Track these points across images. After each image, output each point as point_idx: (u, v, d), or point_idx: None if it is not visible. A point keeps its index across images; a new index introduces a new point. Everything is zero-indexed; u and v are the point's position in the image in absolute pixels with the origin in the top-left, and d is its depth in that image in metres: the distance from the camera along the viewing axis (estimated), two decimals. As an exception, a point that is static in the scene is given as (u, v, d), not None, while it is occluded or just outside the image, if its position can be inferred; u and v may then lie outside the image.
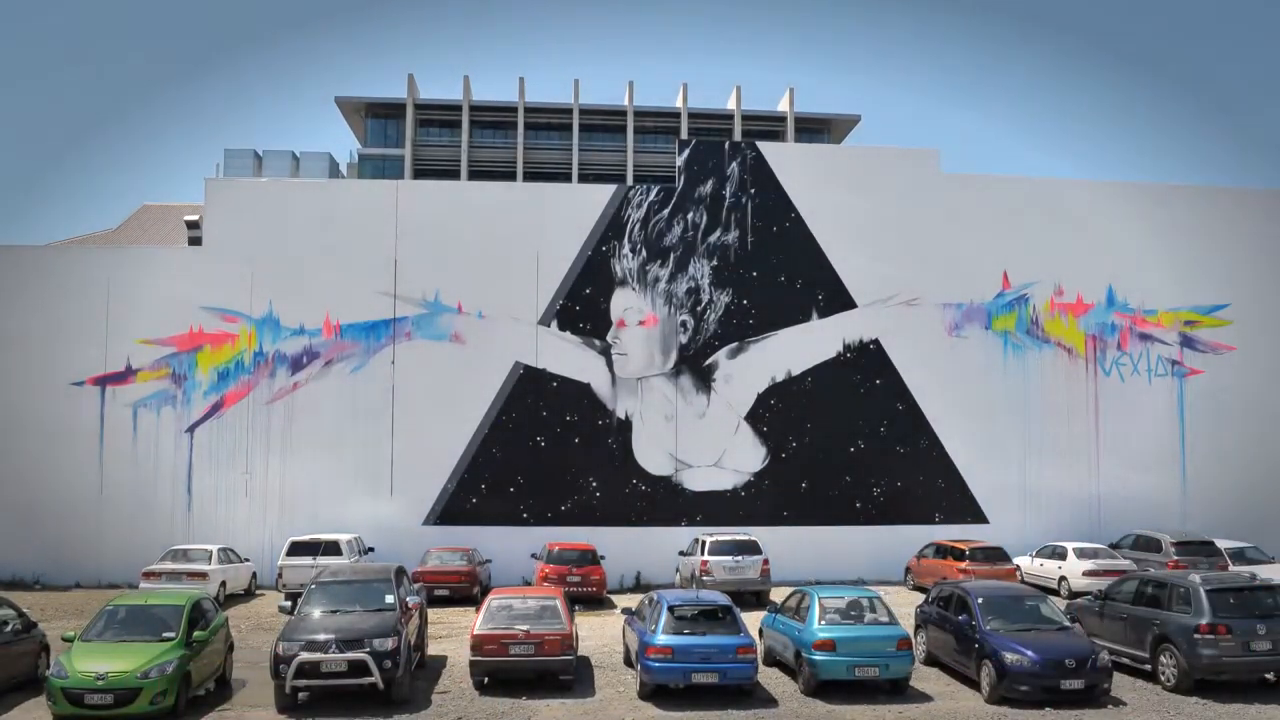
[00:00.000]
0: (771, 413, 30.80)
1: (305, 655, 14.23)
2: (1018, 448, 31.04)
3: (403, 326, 30.09)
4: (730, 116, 64.41)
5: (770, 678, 16.62)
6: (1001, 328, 31.72)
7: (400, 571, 17.15)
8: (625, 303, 30.81)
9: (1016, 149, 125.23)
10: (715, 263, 31.21)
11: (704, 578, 24.46)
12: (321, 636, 14.47)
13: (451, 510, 29.66)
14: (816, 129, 65.85)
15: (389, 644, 14.55)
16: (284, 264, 29.88)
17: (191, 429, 29.53)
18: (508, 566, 27.68)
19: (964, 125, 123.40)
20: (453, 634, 20.56)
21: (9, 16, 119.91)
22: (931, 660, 17.58)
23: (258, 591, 27.44)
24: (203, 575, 24.11)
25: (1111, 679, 15.31)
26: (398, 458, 29.57)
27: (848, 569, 28.50)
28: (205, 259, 30.16)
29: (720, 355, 30.93)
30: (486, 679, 15.92)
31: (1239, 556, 25.72)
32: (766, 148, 32.46)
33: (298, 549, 25.10)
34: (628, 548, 28.53)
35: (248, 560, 27.44)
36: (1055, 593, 25.18)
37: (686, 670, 14.95)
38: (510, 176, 60.92)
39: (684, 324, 30.97)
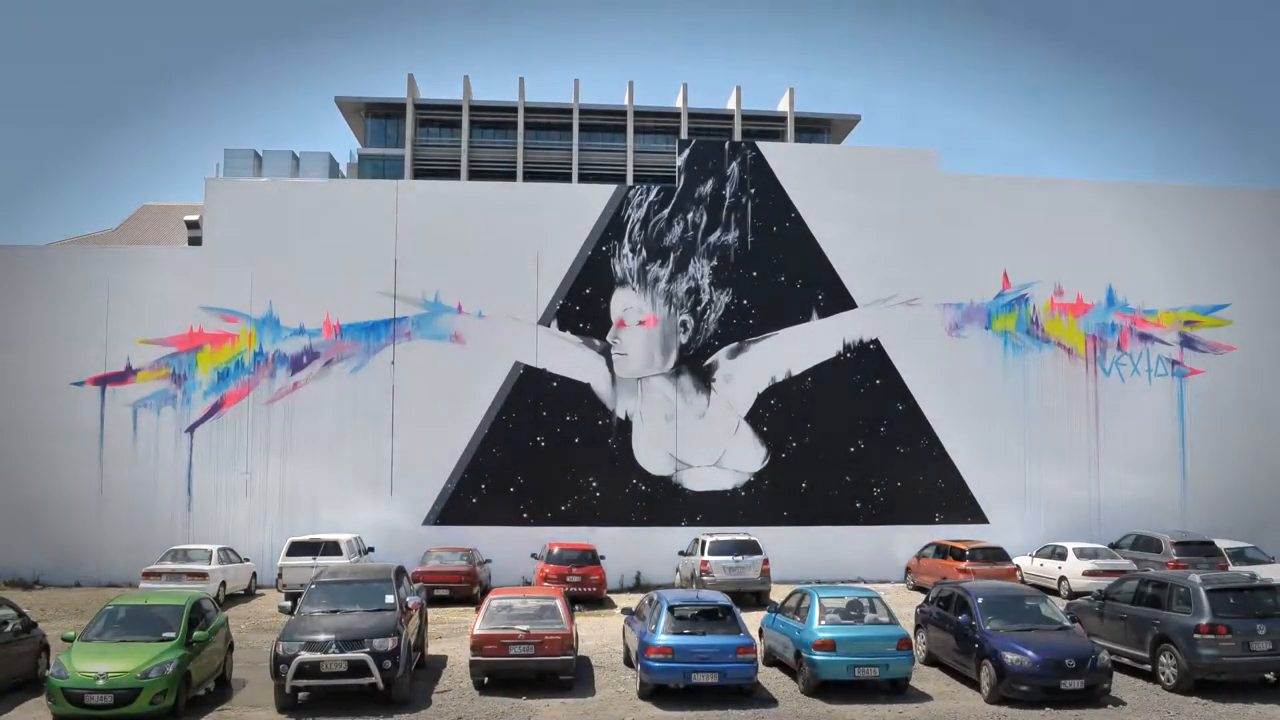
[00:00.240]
0: (771, 413, 30.80)
1: (305, 655, 14.22)
2: (1018, 448, 31.03)
3: (403, 326, 30.09)
4: (730, 116, 64.41)
5: (770, 678, 16.61)
6: (1001, 328, 31.72)
7: (400, 571, 17.14)
8: (625, 303, 30.81)
9: (1016, 149, 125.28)
10: (715, 263, 31.22)
11: (704, 578, 24.47)
12: (321, 636, 14.46)
13: (451, 510, 29.66)
14: (816, 129, 65.84)
15: (389, 644, 14.54)
16: (284, 264, 29.88)
17: (191, 429, 29.53)
18: (508, 566, 27.68)
19: (964, 125, 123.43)
20: (453, 634, 20.56)
21: (9, 17, 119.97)
22: (931, 660, 17.57)
23: (258, 591, 27.45)
24: (203, 575, 24.11)
25: (1111, 679, 15.31)
26: (398, 458, 29.57)
27: (848, 569, 28.52)
28: (205, 259, 30.17)
29: (720, 355, 30.94)
30: (486, 679, 15.92)
31: (1239, 556, 25.72)
32: (766, 148, 32.46)
33: (298, 549, 25.08)
34: (628, 548, 28.53)
35: (248, 560, 27.44)
36: (1055, 593, 25.18)
37: (686, 670, 14.95)
38: (510, 176, 60.92)
39: (684, 324, 30.98)
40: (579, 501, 30.04)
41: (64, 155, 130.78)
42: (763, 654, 17.13)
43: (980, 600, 16.35)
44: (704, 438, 30.49)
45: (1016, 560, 27.07)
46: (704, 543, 25.57)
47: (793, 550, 28.37)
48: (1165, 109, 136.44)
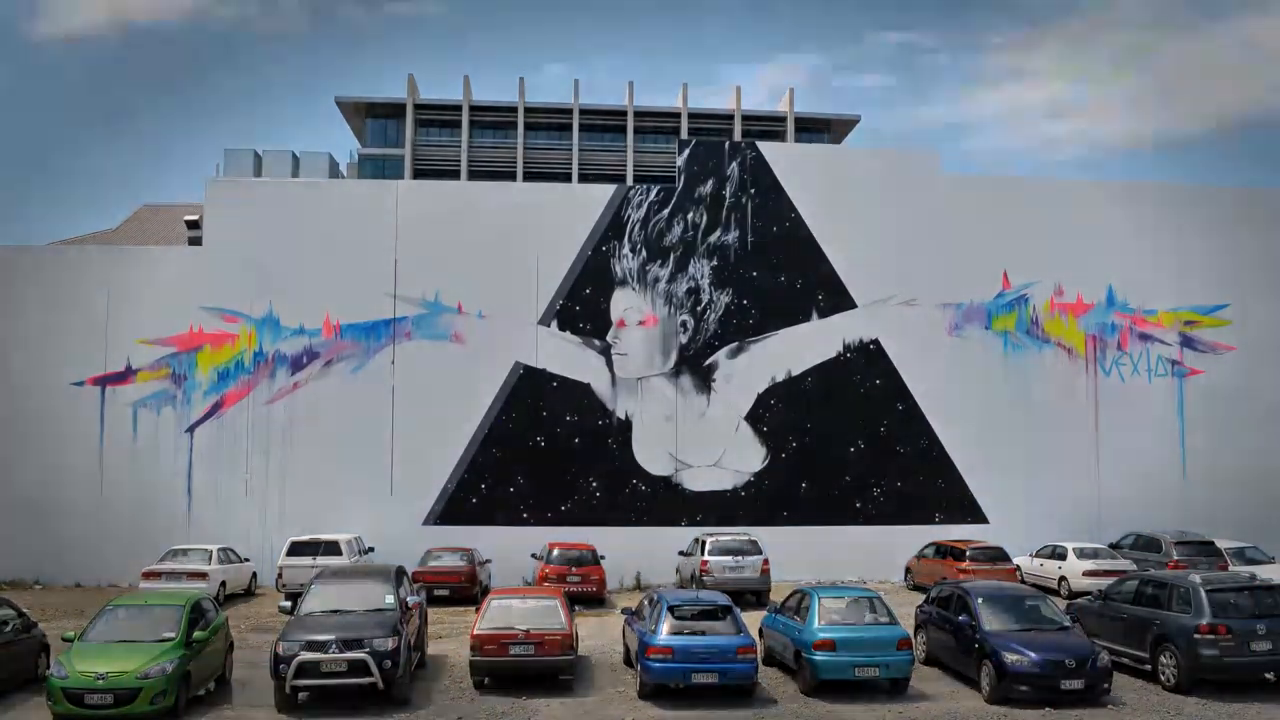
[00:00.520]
0: (771, 413, 30.80)
1: (305, 655, 14.22)
2: (1018, 447, 31.00)
3: (403, 326, 30.09)
4: (730, 116, 64.42)
5: (770, 678, 16.61)
6: (1001, 328, 31.72)
7: (400, 571, 17.14)
8: (625, 303, 30.81)
9: (1016, 149, 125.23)
10: (715, 263, 31.22)
11: (704, 578, 24.46)
12: (321, 636, 14.46)
13: (451, 510, 29.66)
14: (816, 129, 65.86)
15: (389, 644, 14.54)
16: (284, 264, 29.87)
17: (191, 429, 29.53)
18: (508, 566, 27.66)
19: (964, 125, 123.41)
20: (453, 634, 20.56)
21: (9, 16, 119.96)
22: (931, 660, 17.57)
23: (258, 591, 27.45)
24: (203, 575, 24.11)
25: (1111, 679, 15.30)
26: (398, 458, 29.57)
27: (848, 569, 28.51)
28: (205, 259, 30.17)
29: (720, 355, 30.93)
30: (486, 679, 15.94)
31: (1239, 556, 25.72)
32: (766, 148, 32.46)
33: (298, 549, 25.08)
34: (628, 548, 28.48)
35: (248, 560, 27.44)
36: (1055, 593, 25.16)
37: (686, 670, 14.94)
38: (510, 176, 60.92)
39: (684, 324, 30.98)
40: (579, 501, 30.04)
41: (64, 155, 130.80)
42: (763, 654, 17.12)
43: (980, 600, 16.34)
44: (704, 438, 30.49)
45: (1016, 560, 27.06)
46: (704, 543, 25.56)
47: (793, 550, 28.34)
48: (1165, 108, 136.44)
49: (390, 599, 15.72)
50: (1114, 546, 27.71)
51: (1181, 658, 15.54)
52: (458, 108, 63.74)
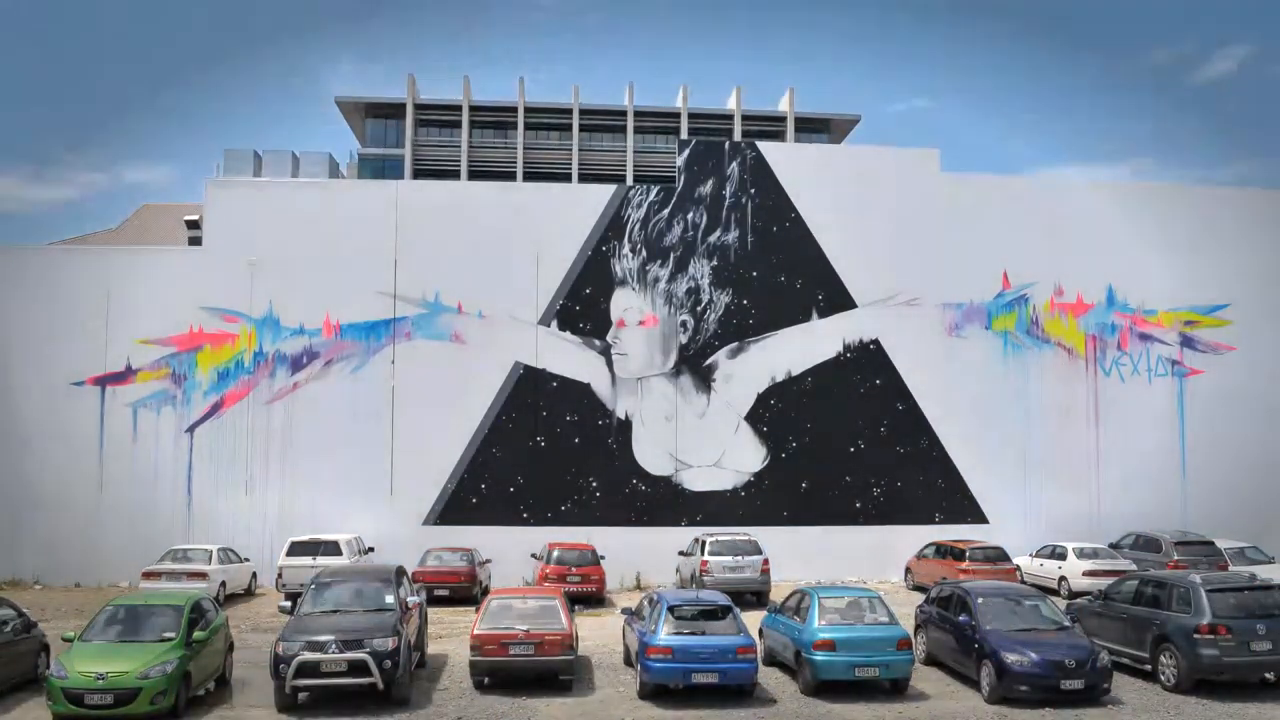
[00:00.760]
0: (771, 413, 30.80)
1: (305, 655, 14.22)
2: (1018, 447, 31.02)
3: (403, 326, 30.09)
4: (730, 116, 64.41)
5: (770, 678, 16.61)
6: (1001, 328, 31.73)
7: (400, 571, 17.14)
8: (625, 303, 30.81)
9: (1017, 149, 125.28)
10: (715, 263, 31.22)
11: (704, 578, 24.46)
12: (322, 636, 14.45)
13: (451, 510, 29.66)
14: (816, 129, 65.83)
15: (389, 644, 14.53)
16: (284, 264, 29.88)
17: (191, 429, 29.53)
18: (508, 566, 27.66)
19: (964, 125, 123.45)
20: (453, 634, 20.56)
21: (9, 16, 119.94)
22: (931, 660, 17.57)
23: (258, 591, 27.45)
24: (203, 575, 24.11)
25: (1111, 679, 15.29)
26: (398, 457, 29.57)
27: (848, 569, 28.52)
28: (205, 259, 30.18)
29: (720, 355, 30.93)
30: (486, 679, 15.93)
31: (1239, 556, 25.71)
32: (766, 148, 32.47)
33: (298, 549, 25.09)
34: (628, 548, 28.50)
35: (248, 560, 27.44)
36: (1055, 593, 25.15)
37: (686, 670, 14.94)
38: (510, 176, 60.90)
39: (684, 324, 30.98)
40: (579, 501, 30.04)
41: (64, 155, 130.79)
42: (763, 654, 17.12)
43: (980, 600, 16.34)
44: (704, 438, 30.49)
45: (1016, 560, 27.05)
46: (704, 543, 25.56)
47: (793, 550, 28.36)
48: (1165, 108, 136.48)
49: (390, 599, 15.72)
50: (1114, 546, 27.69)
51: (1181, 658, 15.54)
52: (458, 108, 63.73)
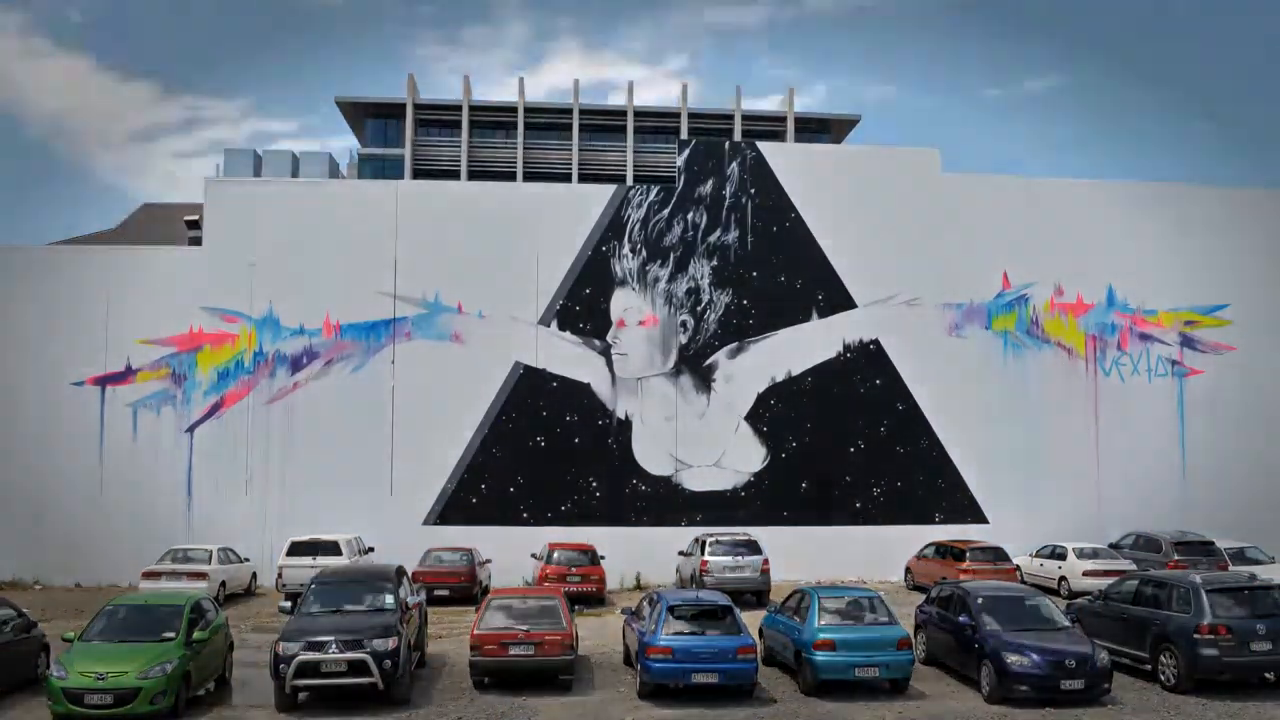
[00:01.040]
0: (771, 413, 30.81)
1: (305, 655, 14.22)
2: (1018, 448, 31.01)
3: (403, 326, 30.10)
4: (730, 116, 64.37)
5: (770, 678, 16.61)
6: (1001, 328, 31.73)
7: (400, 571, 17.15)
8: (625, 303, 30.82)
9: (1017, 149, 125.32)
10: (715, 263, 31.22)
11: (704, 578, 24.46)
12: (322, 636, 14.45)
13: (451, 510, 29.67)
14: (816, 129, 65.77)
15: (389, 644, 14.53)
16: (284, 264, 29.88)
17: (191, 429, 29.53)
18: (508, 566, 27.66)
19: (964, 125, 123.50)
20: (453, 634, 20.56)
21: (9, 16, 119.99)
22: (931, 660, 17.57)
23: (258, 591, 27.45)
24: (203, 575, 24.11)
25: (1111, 679, 15.29)
26: (398, 457, 29.58)
27: (848, 569, 28.52)
28: (205, 259, 30.18)
29: (720, 355, 30.94)
30: (486, 679, 15.93)
31: (1239, 556, 25.72)
32: (766, 148, 32.48)
33: (298, 549, 25.09)
34: (628, 548, 28.50)
35: (248, 560, 27.44)
36: (1055, 593, 25.16)
37: (686, 670, 14.95)
38: (510, 176, 60.87)
39: (684, 324, 30.98)
40: (579, 501, 30.05)
41: (64, 155, 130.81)
42: (763, 654, 17.12)
43: (980, 600, 16.34)
44: (704, 438, 30.50)
45: (1016, 560, 27.06)
46: (704, 543, 25.56)
47: (793, 550, 28.35)
48: (1165, 108, 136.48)
49: (390, 599, 15.72)
50: (1114, 546, 27.71)
51: (1181, 658, 15.54)
52: (458, 108, 63.69)
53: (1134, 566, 24.59)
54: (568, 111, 63.76)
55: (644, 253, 31.06)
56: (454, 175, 60.81)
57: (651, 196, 31.43)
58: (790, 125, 64.38)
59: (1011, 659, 14.96)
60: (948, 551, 26.56)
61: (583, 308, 30.63)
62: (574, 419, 30.27)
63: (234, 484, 29.37)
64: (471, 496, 29.79)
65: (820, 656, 15.46)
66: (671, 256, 31.15)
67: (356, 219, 30.47)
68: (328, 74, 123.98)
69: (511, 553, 27.80)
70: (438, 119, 64.84)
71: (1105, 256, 32.08)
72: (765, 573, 24.98)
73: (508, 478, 29.94)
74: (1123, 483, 31.06)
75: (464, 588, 24.95)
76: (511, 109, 63.99)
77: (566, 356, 30.39)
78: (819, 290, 31.25)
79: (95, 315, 29.43)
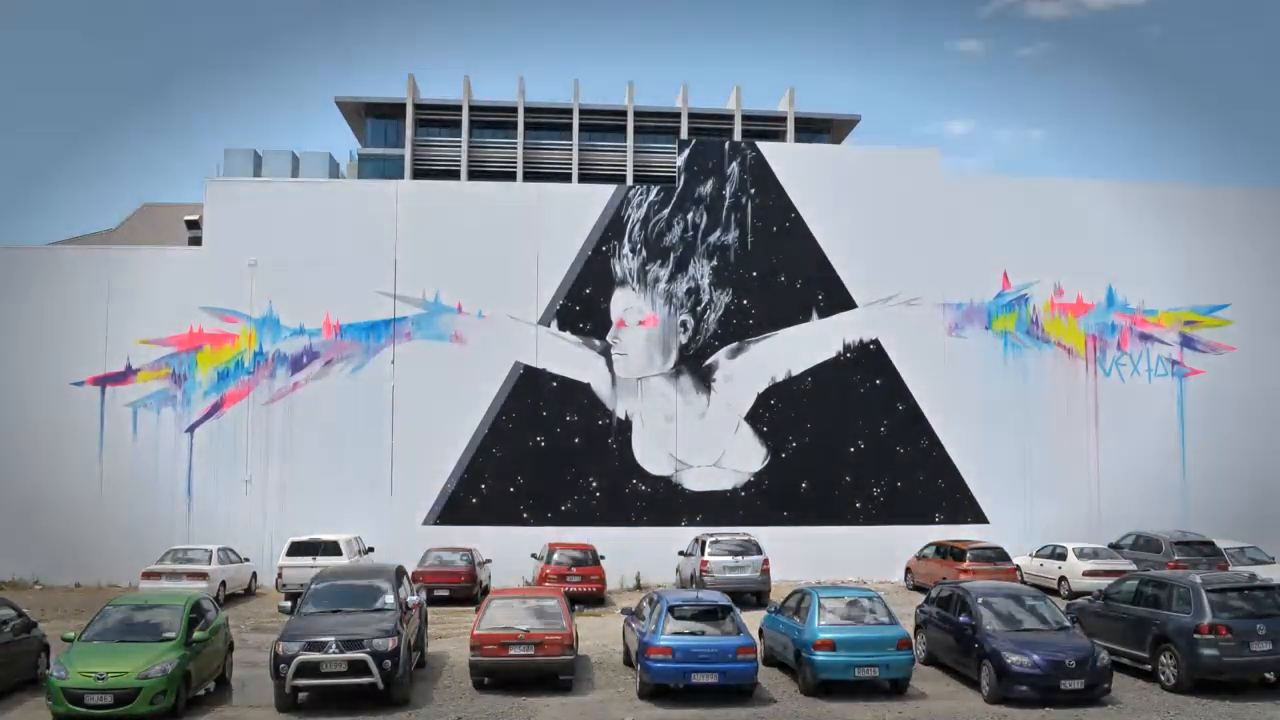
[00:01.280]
0: (771, 413, 30.81)
1: (305, 655, 14.22)
2: (1018, 447, 31.02)
3: (403, 326, 30.10)
4: (730, 116, 64.34)
5: (770, 678, 16.61)
6: (1001, 328, 31.73)
7: (400, 571, 17.15)
8: (625, 303, 30.82)
9: (1017, 149, 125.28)
10: (715, 263, 31.23)
11: (704, 578, 24.46)
12: (322, 636, 14.45)
13: (451, 510, 29.67)
14: (816, 129, 65.75)
15: (389, 644, 14.54)
16: (284, 264, 29.88)
17: (191, 429, 29.53)
18: (508, 566, 27.66)
19: (964, 125, 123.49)
20: (453, 634, 20.56)
21: (9, 16, 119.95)
22: (931, 660, 17.58)
23: (258, 591, 27.45)
24: (203, 575, 24.12)
25: (1111, 679, 15.30)
26: (398, 458, 29.58)
27: (848, 569, 28.51)
28: (205, 259, 30.19)
29: (720, 355, 30.94)
30: (486, 679, 15.93)
31: (1239, 556, 25.72)
32: (766, 148, 32.47)
33: (298, 549, 25.11)
34: (628, 548, 28.50)
35: (248, 560, 27.44)
36: (1055, 593, 25.16)
37: (686, 670, 14.95)
38: (510, 176, 60.85)
39: (684, 324, 30.98)
40: (579, 501, 30.05)
41: (64, 155, 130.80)
42: (763, 654, 17.12)
43: (980, 600, 16.35)
44: (704, 438, 30.50)
45: (1016, 560, 27.06)
46: (704, 543, 25.56)
47: (793, 550, 28.36)
48: (1165, 108, 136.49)
49: (390, 599, 15.73)
50: (1114, 546, 27.70)
51: (1181, 658, 15.54)
52: (458, 108, 63.66)
53: (1134, 566, 24.59)
54: (568, 111, 63.74)
55: (644, 253, 31.06)
56: (454, 175, 60.78)
57: (651, 196, 31.43)
58: (790, 125, 64.36)
59: (1012, 659, 14.97)
60: (948, 551, 26.56)
61: (583, 308, 30.63)
62: (574, 419, 30.27)
63: (234, 484, 29.37)
64: (471, 497, 29.79)
65: (820, 656, 15.46)
66: (671, 256, 31.15)
67: (356, 219, 30.47)
68: (328, 74, 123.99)
69: (511, 553, 27.81)
70: (438, 119, 64.82)
71: (1105, 256, 32.08)
72: (765, 573, 24.99)
73: (508, 478, 29.94)
74: (1123, 483, 31.05)
75: (464, 588, 24.95)
76: (511, 109, 63.97)
77: (566, 356, 30.39)
78: (819, 290, 31.25)
79: (95, 315, 29.43)
